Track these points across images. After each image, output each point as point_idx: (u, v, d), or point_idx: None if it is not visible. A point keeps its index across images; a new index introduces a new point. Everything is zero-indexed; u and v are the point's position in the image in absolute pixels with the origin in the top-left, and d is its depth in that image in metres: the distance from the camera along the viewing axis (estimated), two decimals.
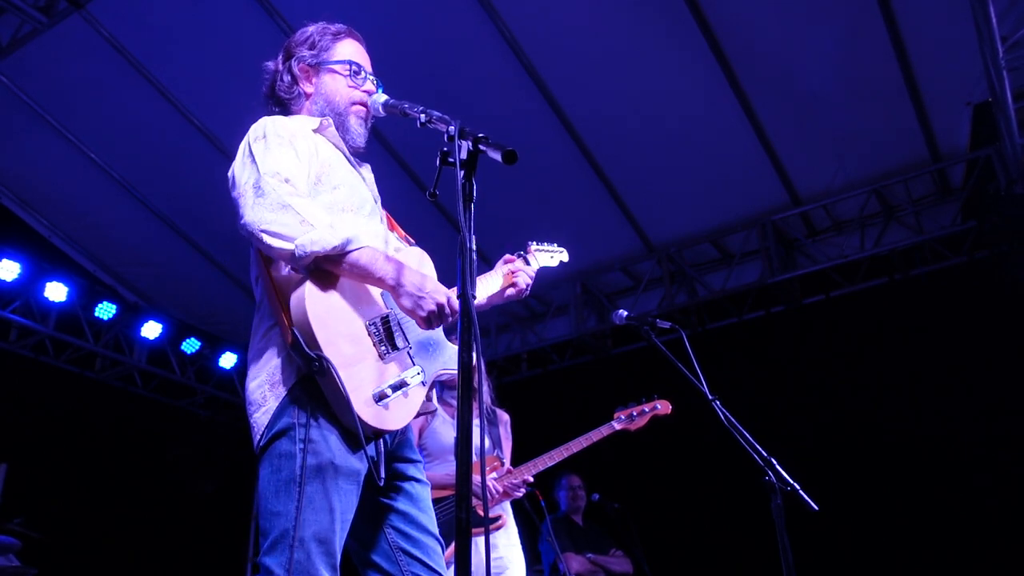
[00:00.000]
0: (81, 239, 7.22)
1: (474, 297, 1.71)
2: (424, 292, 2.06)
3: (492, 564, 3.63)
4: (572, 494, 5.76)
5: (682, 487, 6.77)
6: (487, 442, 3.86)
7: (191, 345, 7.87)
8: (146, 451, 8.12)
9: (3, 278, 6.60)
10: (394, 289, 2.07)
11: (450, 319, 2.10)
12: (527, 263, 2.78)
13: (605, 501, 5.52)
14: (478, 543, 3.36)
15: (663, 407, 4.15)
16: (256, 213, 2.00)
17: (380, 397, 2.02)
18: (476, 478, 1.70)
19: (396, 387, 2.06)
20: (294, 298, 2.01)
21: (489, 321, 7.84)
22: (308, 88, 2.39)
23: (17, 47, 5.55)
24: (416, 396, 2.14)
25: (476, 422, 3.88)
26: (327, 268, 2.04)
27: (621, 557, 5.62)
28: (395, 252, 2.26)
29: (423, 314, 2.06)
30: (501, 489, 3.80)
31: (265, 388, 2.05)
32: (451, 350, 2.30)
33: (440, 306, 2.07)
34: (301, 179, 2.11)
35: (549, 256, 2.98)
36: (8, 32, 5.58)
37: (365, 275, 2.06)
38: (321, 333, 1.96)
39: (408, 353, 2.16)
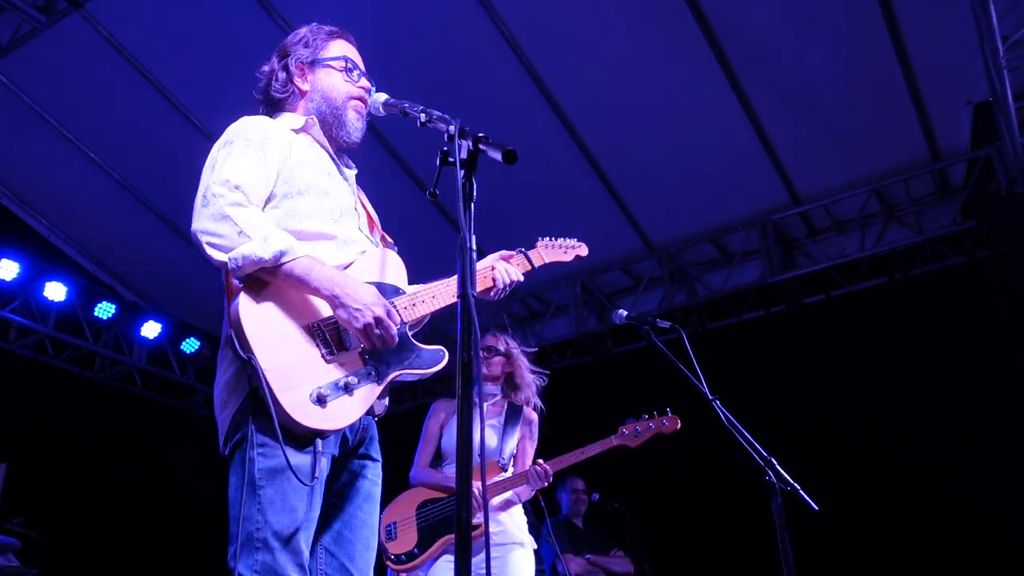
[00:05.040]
0: (81, 239, 7.21)
1: (474, 297, 1.70)
2: (360, 304, 2.02)
3: (495, 541, 3.60)
4: (575, 497, 5.76)
5: (682, 487, 6.76)
6: (499, 444, 3.81)
7: (190, 345, 7.87)
8: (146, 451, 8.11)
9: (3, 278, 6.60)
10: (330, 300, 2.04)
11: (389, 334, 2.05)
12: (529, 260, 2.76)
13: (605, 501, 5.51)
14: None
15: (670, 423, 3.79)
16: (199, 222, 2.03)
17: (319, 398, 1.99)
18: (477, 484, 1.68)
19: (338, 387, 2.03)
20: (233, 302, 2.03)
21: (489, 321, 7.83)
22: (304, 85, 2.39)
23: (17, 47, 5.54)
24: (364, 396, 2.08)
25: (493, 422, 3.85)
26: (265, 278, 2.04)
27: (622, 557, 5.61)
28: (359, 255, 2.23)
29: (358, 326, 2.02)
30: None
31: (227, 392, 2.08)
32: (417, 351, 2.21)
33: (377, 319, 2.02)
34: (259, 184, 2.11)
35: (563, 251, 2.95)
36: (8, 32, 5.58)
37: (300, 285, 2.05)
38: (254, 336, 1.97)
39: (360, 353, 2.12)
